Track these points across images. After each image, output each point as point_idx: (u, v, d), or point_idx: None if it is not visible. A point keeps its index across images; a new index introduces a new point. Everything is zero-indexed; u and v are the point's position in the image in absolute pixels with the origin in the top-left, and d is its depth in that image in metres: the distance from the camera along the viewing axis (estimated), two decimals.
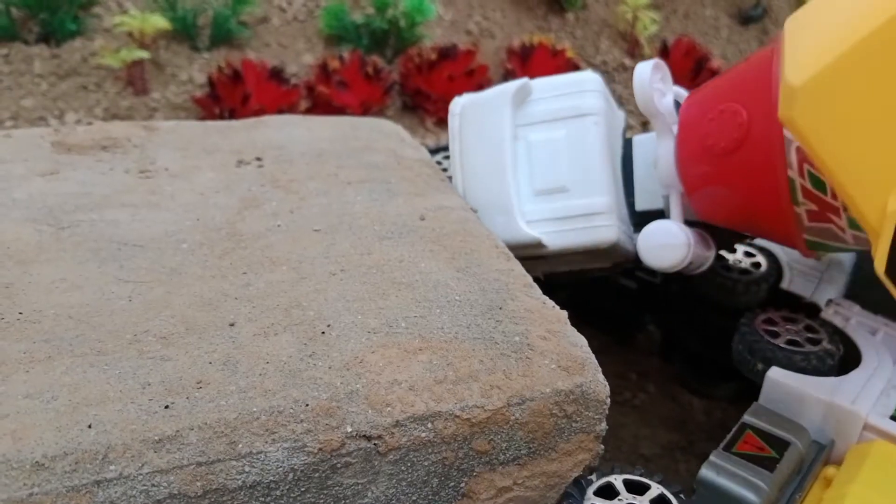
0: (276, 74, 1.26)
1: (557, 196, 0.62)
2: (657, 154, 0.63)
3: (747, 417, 0.53)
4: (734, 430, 0.53)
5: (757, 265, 0.75)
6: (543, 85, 0.65)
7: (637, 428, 0.76)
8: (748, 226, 0.60)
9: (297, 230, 0.55)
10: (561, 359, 0.44)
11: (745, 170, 0.53)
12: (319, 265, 0.51)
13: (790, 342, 0.59)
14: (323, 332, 0.44)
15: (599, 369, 0.45)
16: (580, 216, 0.62)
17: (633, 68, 1.53)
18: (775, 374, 0.55)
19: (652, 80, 0.60)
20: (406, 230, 0.55)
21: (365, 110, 1.28)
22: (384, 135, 0.74)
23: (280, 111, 1.22)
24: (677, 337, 0.84)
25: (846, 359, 0.59)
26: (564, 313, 0.49)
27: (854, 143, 0.40)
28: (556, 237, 0.62)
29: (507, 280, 0.51)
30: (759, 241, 0.77)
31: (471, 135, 0.66)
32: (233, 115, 1.21)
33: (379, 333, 0.44)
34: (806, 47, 0.43)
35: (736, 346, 0.61)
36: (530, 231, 0.61)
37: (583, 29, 1.55)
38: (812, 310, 0.69)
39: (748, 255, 0.76)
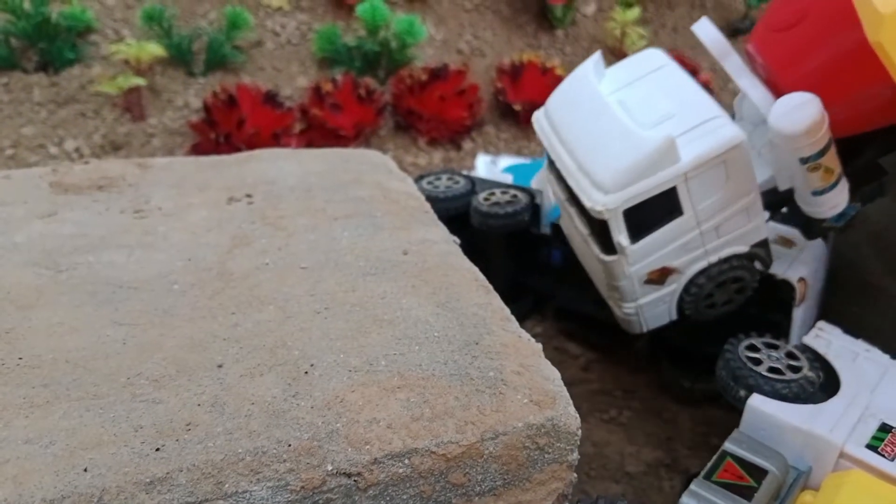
0: (271, 98, 1.29)
1: (666, 123, 0.62)
2: (750, 94, 0.64)
3: (728, 445, 0.56)
4: (715, 457, 0.55)
5: None
6: (613, 68, 0.69)
7: (622, 445, 0.78)
8: (852, 100, 0.58)
9: (285, 268, 0.57)
10: (533, 393, 0.46)
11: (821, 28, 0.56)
12: (305, 303, 0.53)
13: (772, 370, 0.61)
14: (306, 372, 0.46)
15: (570, 402, 0.47)
16: (696, 126, 0.62)
17: None
18: (755, 401, 0.57)
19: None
20: (390, 265, 0.58)
21: (358, 131, 1.30)
22: (373, 166, 0.76)
23: (275, 135, 1.25)
24: (661, 334, 0.85)
25: (828, 384, 0.61)
26: (539, 347, 0.51)
27: None
28: (683, 151, 0.60)
29: (484, 314, 0.53)
30: None
31: (566, 116, 0.67)
32: (228, 139, 1.23)
33: (360, 372, 0.46)
34: None
35: (719, 373, 0.63)
36: (654, 132, 0.60)
37: (572, 45, 1.58)
38: (785, 286, 0.72)
39: None
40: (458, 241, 0.65)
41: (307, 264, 0.58)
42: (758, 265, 0.69)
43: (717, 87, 1.63)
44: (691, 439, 0.79)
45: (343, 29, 1.44)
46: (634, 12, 1.52)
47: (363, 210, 0.66)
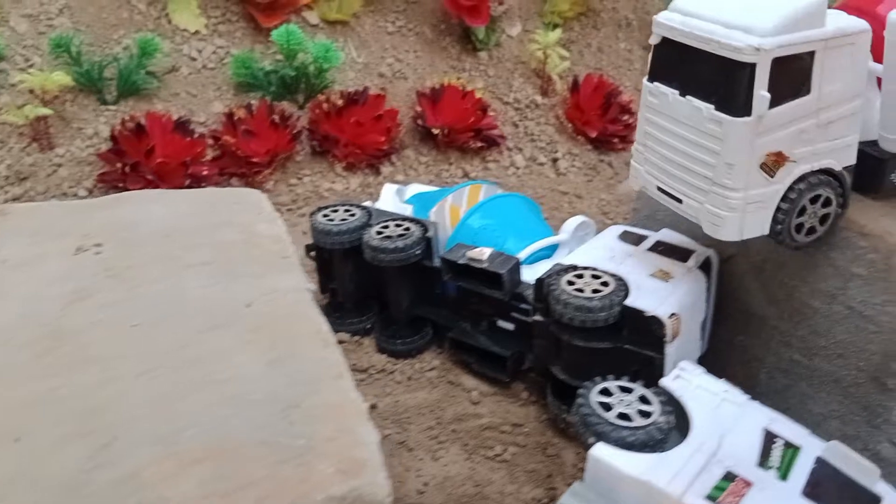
0: (181, 126, 1.27)
1: None
2: None
3: (565, 499, 0.55)
4: None
5: (605, 284, 0.77)
6: None
7: (503, 485, 0.78)
8: None
9: (119, 325, 0.56)
10: (342, 461, 0.45)
11: None
12: (132, 364, 0.52)
13: (621, 415, 0.61)
14: (111, 443, 0.45)
15: (382, 469, 0.46)
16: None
17: (544, 105, 1.56)
18: (597, 451, 0.57)
19: None
20: (232, 319, 0.57)
21: (272, 158, 1.29)
22: (244, 207, 0.75)
23: (184, 163, 1.23)
24: (545, 368, 0.85)
25: (680, 430, 0.61)
26: (365, 406, 0.50)
27: None
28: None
29: (317, 371, 0.52)
30: (602, 266, 0.80)
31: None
32: (136, 168, 1.21)
33: (165, 442, 0.45)
34: None
35: (573, 419, 0.63)
36: None
37: (496, 68, 1.58)
38: (655, 323, 0.73)
39: (595, 277, 0.78)
40: (312, 287, 0.64)
41: (144, 319, 0.57)
42: (840, 196, 0.70)
43: None
44: (572, 476, 0.79)
45: (262, 53, 1.43)
46: (556, 34, 1.53)
47: (220, 257, 0.65)
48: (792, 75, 0.63)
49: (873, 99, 0.72)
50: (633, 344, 0.77)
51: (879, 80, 0.71)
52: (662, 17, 0.70)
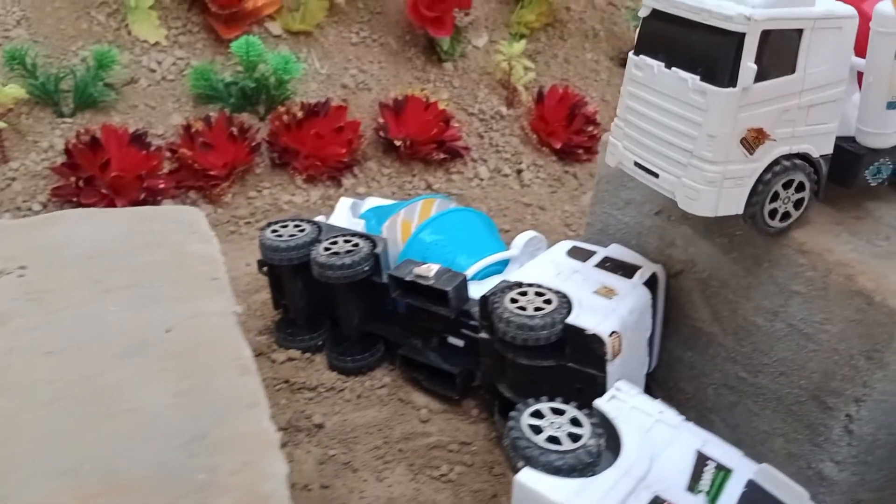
0: (138, 138, 1.25)
1: None
2: None
3: None
4: None
5: (548, 301, 0.76)
6: None
7: None
8: None
9: (34, 351, 0.55)
10: (244, 495, 0.44)
11: None
12: (42, 393, 0.51)
13: (551, 438, 0.60)
14: (9, 475, 0.44)
15: (287, 502, 0.45)
16: None
17: (509, 116, 1.55)
18: (522, 476, 0.56)
19: None
20: (147, 346, 0.56)
21: (230, 171, 1.28)
22: (178, 226, 0.74)
23: (140, 177, 1.22)
24: (493, 385, 0.84)
25: (612, 453, 0.60)
26: (276, 437, 0.49)
27: None
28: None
29: (230, 400, 0.51)
30: (547, 283, 0.79)
31: None
32: (90, 182, 1.20)
33: (63, 477, 0.44)
34: None
35: (504, 442, 0.62)
36: None
37: (461, 78, 1.57)
38: (596, 341, 0.72)
39: (539, 294, 0.78)
40: (238, 310, 0.63)
41: (60, 346, 0.55)
42: (815, 184, 0.70)
43: (608, 117, 1.65)
44: None
45: (222, 65, 1.42)
46: (520, 45, 1.52)
47: (146, 279, 0.64)
48: (779, 51, 0.64)
49: (852, 94, 0.73)
50: (575, 362, 0.76)
51: (860, 76, 0.72)
52: None
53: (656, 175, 0.72)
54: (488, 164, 1.48)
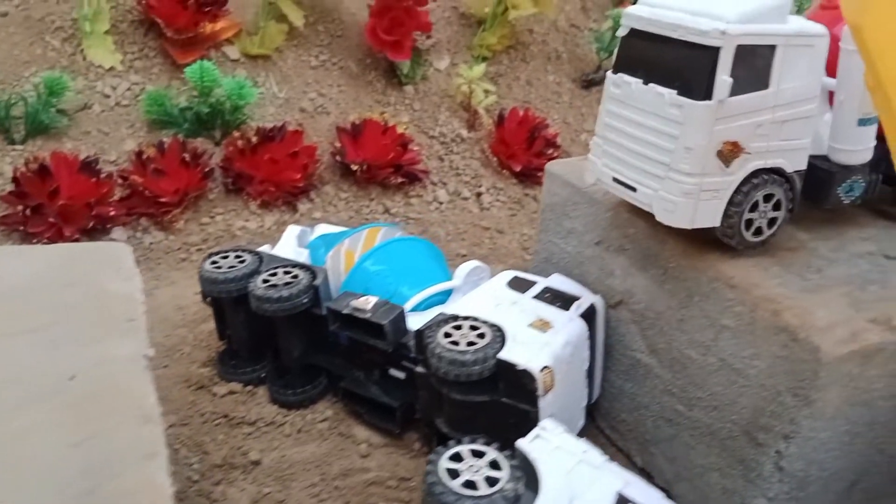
0: (88, 166, 1.24)
1: None
2: None
3: None
4: None
5: (482, 336, 0.75)
6: None
7: None
8: None
9: None
10: None
11: None
12: None
13: (467, 483, 0.59)
14: None
15: None
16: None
17: (470, 139, 1.55)
18: None
19: None
20: (50, 393, 0.54)
21: (182, 197, 1.26)
22: (102, 264, 0.73)
23: (89, 205, 1.20)
24: (431, 421, 0.83)
25: (531, 495, 0.59)
26: (170, 491, 0.48)
27: None
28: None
29: (126, 452, 0.50)
30: (484, 315, 0.79)
31: None
32: (38, 210, 1.18)
33: None
34: None
35: (422, 487, 0.61)
36: None
37: (422, 101, 1.57)
38: (526, 376, 0.71)
39: (473, 328, 0.77)
40: (150, 353, 0.61)
41: None
42: (790, 200, 0.71)
43: (569, 139, 1.65)
44: None
45: (178, 90, 1.41)
46: (480, 69, 1.52)
47: (61, 319, 0.62)
48: (753, 67, 0.65)
49: (824, 114, 0.74)
50: (509, 397, 0.75)
51: (831, 96, 0.73)
52: (632, 9, 0.72)
53: (634, 189, 0.73)
54: (448, 187, 1.48)
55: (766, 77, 0.66)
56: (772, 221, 0.72)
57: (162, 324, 1.09)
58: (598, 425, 0.92)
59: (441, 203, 1.44)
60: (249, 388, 0.95)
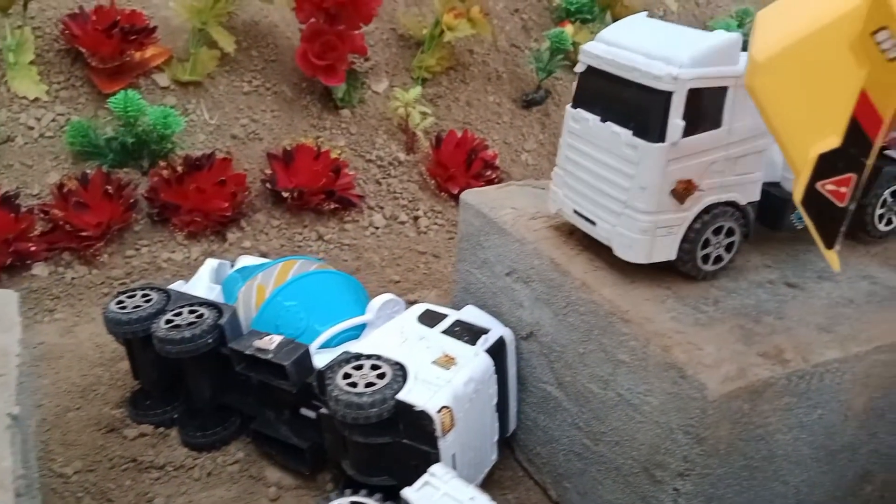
0: (7, 201, 1.21)
1: None
2: None
3: None
4: None
5: (382, 376, 0.74)
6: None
7: None
8: None
9: None
10: None
11: None
12: None
13: None
14: None
15: None
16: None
17: (408, 162, 1.54)
18: None
19: None
20: None
21: (105, 230, 1.23)
22: None
23: (7, 241, 1.17)
24: (339, 463, 0.81)
25: None
26: None
27: (792, 107, 0.54)
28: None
29: None
30: (389, 353, 0.78)
31: (629, 35, 0.72)
32: None
33: None
34: (770, 34, 0.56)
35: None
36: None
37: (359, 125, 1.55)
38: (424, 417, 0.70)
39: (374, 367, 0.75)
40: (15, 412, 0.59)
41: None
42: (744, 227, 0.73)
43: (509, 159, 1.64)
44: None
45: (105, 120, 1.38)
46: (415, 91, 1.51)
47: None
48: (705, 108, 0.66)
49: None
50: (409, 438, 0.73)
51: None
52: (589, 46, 0.73)
53: (594, 223, 0.74)
54: (385, 211, 1.46)
55: (718, 117, 0.67)
56: (729, 246, 0.73)
57: (80, 362, 1.06)
58: (516, 458, 0.91)
59: (377, 228, 1.43)
60: (161, 429, 0.93)
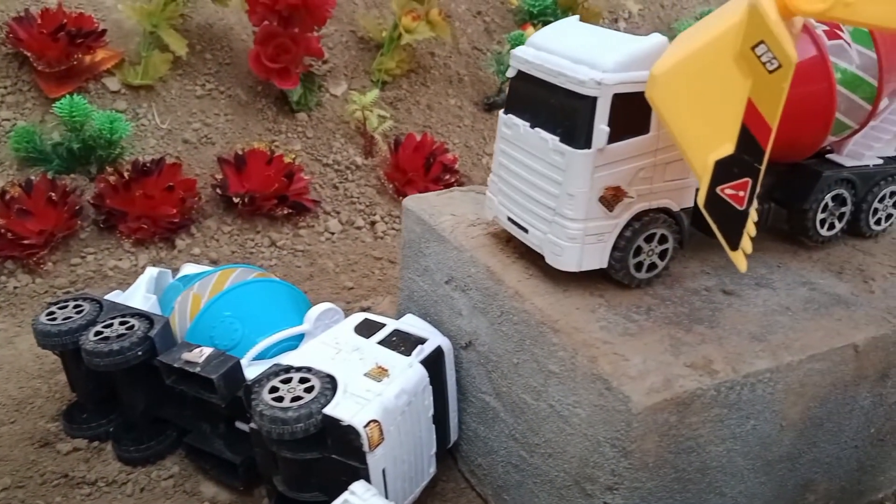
0: None
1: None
2: None
3: None
4: None
5: (310, 389, 0.72)
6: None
7: None
8: None
9: None
10: None
11: None
12: None
13: None
14: None
15: None
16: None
17: (366, 166, 1.52)
18: None
19: None
20: None
21: (48, 238, 1.20)
22: None
23: None
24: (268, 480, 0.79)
25: None
26: None
27: (690, 117, 0.56)
28: None
29: None
30: (320, 365, 0.76)
31: (559, 39, 0.70)
32: None
33: None
34: (673, 48, 0.59)
35: None
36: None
37: (315, 129, 1.53)
38: (351, 432, 0.68)
39: (303, 380, 0.73)
40: None
41: None
42: (677, 234, 0.72)
43: (470, 163, 1.63)
44: None
45: (52, 125, 1.35)
46: (372, 94, 1.49)
47: None
48: (632, 113, 0.64)
49: None
50: (338, 454, 0.71)
51: None
52: (519, 51, 0.71)
53: (527, 230, 0.73)
54: (341, 216, 1.44)
55: (646, 122, 0.66)
56: (663, 254, 0.72)
57: (17, 374, 1.03)
58: (459, 469, 0.89)
59: (332, 233, 1.40)
60: (96, 444, 0.90)
